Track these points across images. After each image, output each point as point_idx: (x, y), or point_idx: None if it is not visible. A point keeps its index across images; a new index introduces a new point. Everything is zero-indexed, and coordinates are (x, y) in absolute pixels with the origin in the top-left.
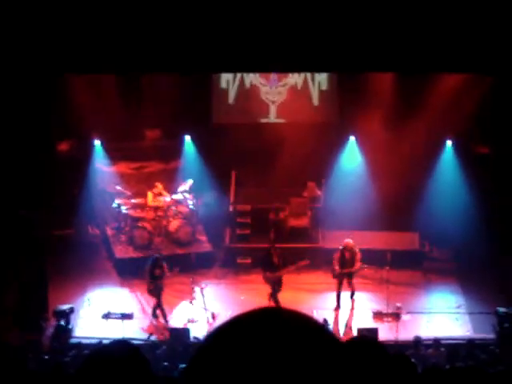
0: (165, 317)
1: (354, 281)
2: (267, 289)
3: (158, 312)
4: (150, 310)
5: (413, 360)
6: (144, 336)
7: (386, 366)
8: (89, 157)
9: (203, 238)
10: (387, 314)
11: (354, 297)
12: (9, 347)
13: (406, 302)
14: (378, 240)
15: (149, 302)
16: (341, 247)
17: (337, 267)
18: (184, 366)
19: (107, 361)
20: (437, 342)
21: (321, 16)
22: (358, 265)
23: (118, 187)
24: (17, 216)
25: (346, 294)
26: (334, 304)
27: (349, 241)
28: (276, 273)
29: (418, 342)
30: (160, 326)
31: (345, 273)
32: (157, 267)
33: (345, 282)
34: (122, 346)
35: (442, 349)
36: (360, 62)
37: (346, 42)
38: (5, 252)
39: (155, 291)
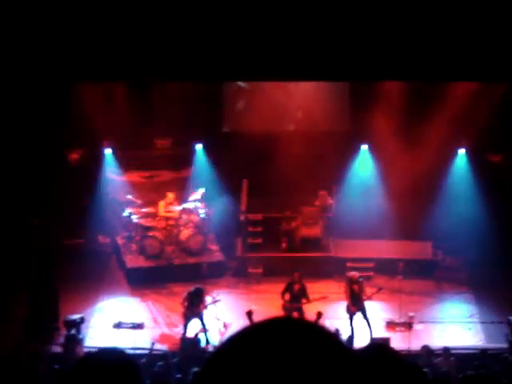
0: (206, 337)
1: (368, 315)
2: (279, 299)
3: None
4: (161, 320)
5: (424, 370)
6: (156, 346)
7: (398, 376)
8: (99, 166)
9: (214, 247)
10: (399, 324)
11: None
12: (19, 358)
13: (419, 312)
14: (390, 249)
15: (160, 312)
16: (346, 279)
17: (351, 305)
18: (196, 369)
19: (96, 368)
20: (446, 352)
21: (334, 24)
22: (369, 292)
23: (129, 196)
24: (28, 225)
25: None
26: (348, 333)
27: (354, 273)
28: (295, 303)
29: (427, 351)
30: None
31: (360, 307)
32: (197, 297)
33: (359, 316)
34: (113, 354)
35: (452, 358)
36: (372, 71)
37: (358, 51)
38: (15, 261)
39: (190, 317)
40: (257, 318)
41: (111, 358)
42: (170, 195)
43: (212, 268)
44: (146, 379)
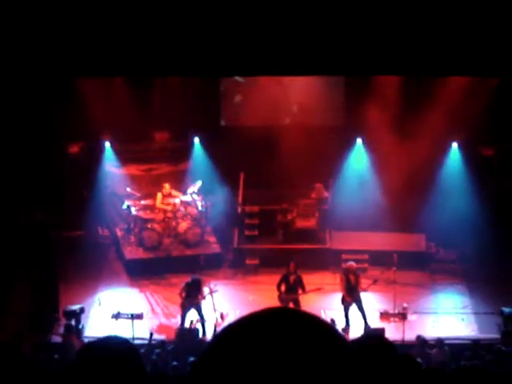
0: (204, 328)
1: (363, 306)
2: (275, 290)
3: (197, 323)
4: (159, 310)
5: (418, 360)
6: (154, 336)
7: (392, 366)
8: (99, 159)
9: (212, 238)
10: (394, 314)
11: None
12: (19, 347)
13: (413, 303)
14: (384, 241)
15: (158, 303)
16: (343, 270)
17: (346, 295)
18: (193, 359)
19: (99, 355)
20: (440, 342)
21: (329, 19)
22: (364, 285)
23: (128, 189)
24: (28, 217)
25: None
26: (343, 324)
27: (351, 263)
28: (291, 294)
29: (421, 341)
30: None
31: (355, 298)
32: (195, 288)
33: (354, 307)
34: (116, 342)
35: (446, 348)
36: (367, 66)
37: (353, 46)
38: (15, 253)
39: (187, 308)
40: (253, 308)
41: (115, 346)
42: (167, 186)
43: (209, 259)
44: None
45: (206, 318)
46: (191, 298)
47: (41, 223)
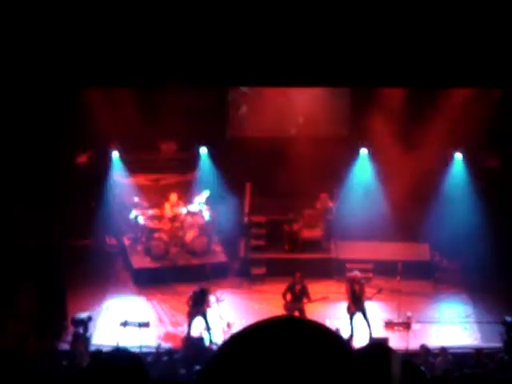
0: (210, 336)
1: (368, 315)
2: (281, 299)
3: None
4: (166, 319)
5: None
6: (161, 346)
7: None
8: (107, 168)
9: (218, 248)
10: (398, 324)
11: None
12: (26, 356)
13: (417, 312)
14: (389, 251)
15: (165, 311)
16: (348, 280)
17: (351, 305)
18: (199, 368)
19: (106, 369)
20: (444, 351)
21: (336, 32)
22: (369, 293)
23: (136, 198)
24: (36, 225)
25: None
26: (348, 333)
27: (356, 273)
28: (296, 303)
29: (425, 350)
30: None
31: (360, 307)
32: (202, 296)
33: (359, 316)
34: (122, 355)
35: (449, 356)
36: (372, 78)
37: (358, 58)
38: (23, 261)
39: (194, 316)
40: (259, 317)
41: (121, 359)
42: (173, 196)
43: (216, 269)
44: (152, 376)
45: (212, 326)
46: (198, 306)
47: (46, 231)
